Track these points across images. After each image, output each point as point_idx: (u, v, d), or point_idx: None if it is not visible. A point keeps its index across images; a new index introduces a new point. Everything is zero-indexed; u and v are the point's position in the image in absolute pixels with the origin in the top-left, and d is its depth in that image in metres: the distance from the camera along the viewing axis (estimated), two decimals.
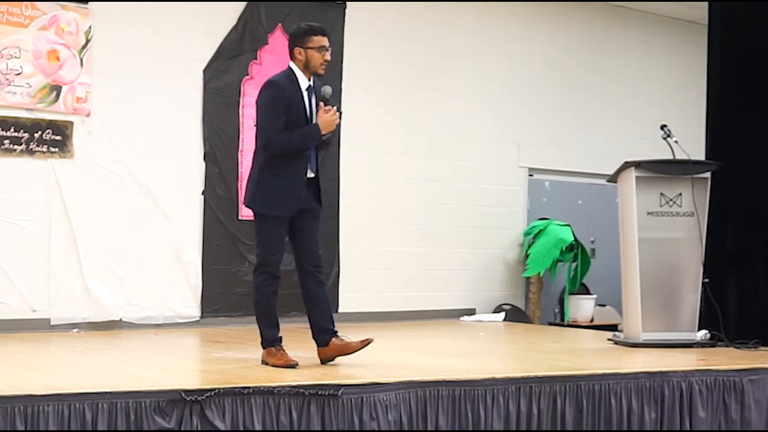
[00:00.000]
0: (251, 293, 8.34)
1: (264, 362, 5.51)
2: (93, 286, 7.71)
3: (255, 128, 5.60)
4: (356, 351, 5.49)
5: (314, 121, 5.44)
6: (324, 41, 5.47)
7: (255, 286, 5.60)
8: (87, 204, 7.72)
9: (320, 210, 5.67)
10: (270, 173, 5.44)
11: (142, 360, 5.93)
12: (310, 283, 5.59)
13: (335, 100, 5.88)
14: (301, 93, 5.46)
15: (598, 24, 11.01)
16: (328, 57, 5.48)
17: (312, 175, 5.56)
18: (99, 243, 7.76)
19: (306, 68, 5.47)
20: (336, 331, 5.56)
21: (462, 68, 9.91)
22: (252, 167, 5.62)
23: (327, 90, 5.51)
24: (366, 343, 5.49)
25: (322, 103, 5.47)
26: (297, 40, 5.48)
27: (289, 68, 5.51)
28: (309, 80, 5.50)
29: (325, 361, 5.56)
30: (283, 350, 5.49)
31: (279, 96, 5.40)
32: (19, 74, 7.45)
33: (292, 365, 5.36)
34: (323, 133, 5.44)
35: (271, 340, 5.53)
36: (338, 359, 5.56)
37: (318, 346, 5.59)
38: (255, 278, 5.60)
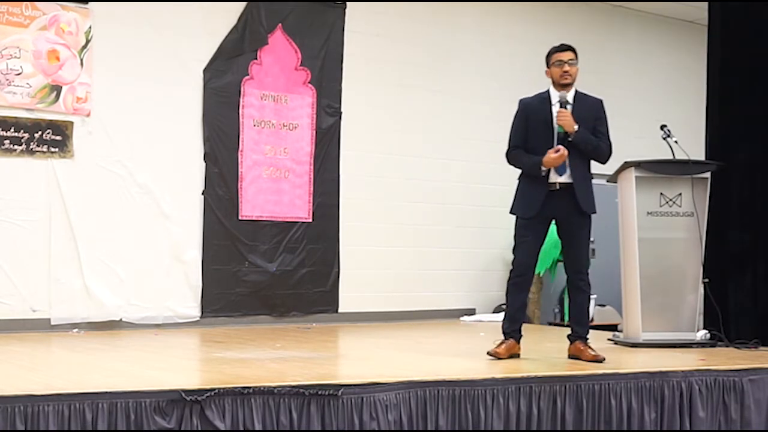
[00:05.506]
0: (251, 293, 8.47)
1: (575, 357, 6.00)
2: (93, 286, 7.71)
3: None
4: (587, 360, 5.92)
5: (554, 126, 5.97)
6: (560, 56, 6.03)
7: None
8: (87, 204, 7.73)
9: (582, 219, 6.23)
10: (521, 178, 6.21)
11: (142, 360, 5.92)
12: (571, 289, 6.21)
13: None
14: (549, 105, 6.03)
15: (598, 24, 11.01)
16: (566, 68, 6.00)
17: (560, 180, 6.06)
18: (99, 243, 7.76)
19: (554, 83, 6.07)
20: (583, 336, 6.09)
21: (462, 68, 9.91)
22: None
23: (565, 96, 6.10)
24: (597, 358, 5.93)
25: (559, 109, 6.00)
26: (546, 63, 6.12)
27: (548, 88, 6.15)
28: (559, 93, 6.01)
29: (569, 356, 6.08)
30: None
31: (520, 111, 6.19)
32: (19, 74, 7.45)
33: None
34: (567, 131, 5.95)
35: (503, 331, 6.06)
36: (339, 358, 5.57)
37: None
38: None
